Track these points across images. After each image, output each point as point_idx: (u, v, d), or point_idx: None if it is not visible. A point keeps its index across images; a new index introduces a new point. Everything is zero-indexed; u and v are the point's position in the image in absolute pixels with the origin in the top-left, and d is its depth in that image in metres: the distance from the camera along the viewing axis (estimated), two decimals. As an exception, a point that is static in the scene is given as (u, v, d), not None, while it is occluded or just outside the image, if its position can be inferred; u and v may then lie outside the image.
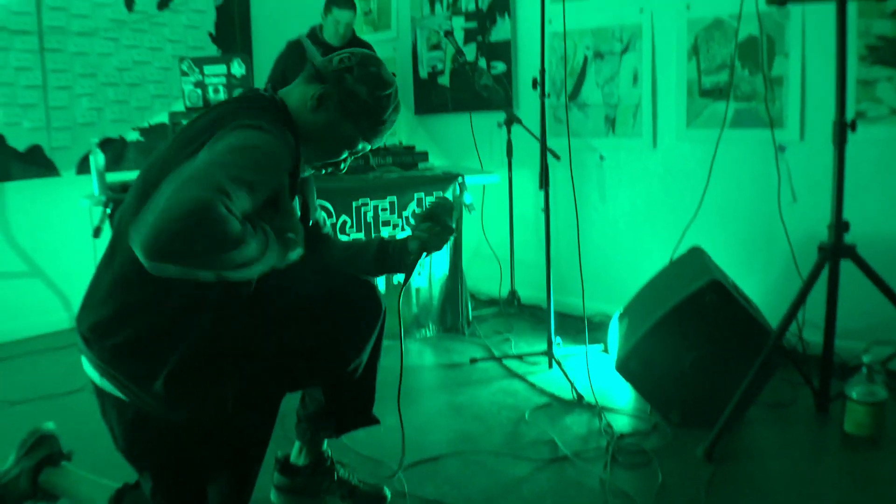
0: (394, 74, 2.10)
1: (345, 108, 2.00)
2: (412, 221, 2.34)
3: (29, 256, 4.68)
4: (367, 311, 2.20)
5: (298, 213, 2.07)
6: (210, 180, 1.52)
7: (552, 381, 3.54)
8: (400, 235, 3.94)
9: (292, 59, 4.65)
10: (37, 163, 4.56)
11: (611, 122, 4.35)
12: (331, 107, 2.00)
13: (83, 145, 4.69)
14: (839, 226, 2.84)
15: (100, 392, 1.94)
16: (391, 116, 2.07)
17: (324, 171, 2.22)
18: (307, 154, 2.03)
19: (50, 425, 2.38)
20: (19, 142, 4.48)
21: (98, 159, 3.69)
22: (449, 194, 4.11)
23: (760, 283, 3.71)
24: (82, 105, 4.73)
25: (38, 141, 4.56)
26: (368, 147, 2.12)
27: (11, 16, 4.42)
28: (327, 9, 4.57)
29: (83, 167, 4.68)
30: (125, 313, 1.82)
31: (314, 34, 4.74)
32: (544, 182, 3.53)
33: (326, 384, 2.28)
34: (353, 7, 4.62)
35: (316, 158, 2.09)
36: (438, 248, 2.26)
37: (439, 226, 2.24)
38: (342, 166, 2.16)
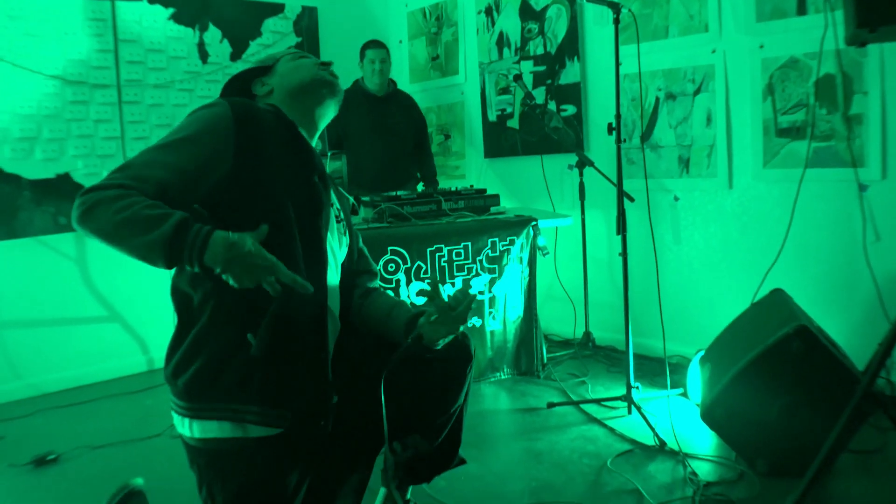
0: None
1: (266, 67, 2.22)
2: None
3: (107, 301, 4.81)
4: (463, 358, 2.23)
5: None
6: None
7: (633, 427, 3.48)
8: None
9: (354, 104, 4.96)
10: (116, 211, 4.68)
11: (684, 163, 4.31)
12: (266, 77, 2.21)
13: (161, 194, 4.81)
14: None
15: (205, 450, 1.95)
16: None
17: (327, 80, 2.20)
18: (301, 105, 2.15)
19: (139, 481, 2.42)
20: (99, 191, 4.61)
21: (179, 210, 3.78)
22: (523, 238, 4.12)
23: (844, 325, 3.61)
24: (159, 155, 4.85)
25: (117, 190, 4.68)
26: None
27: (92, 70, 4.60)
28: (362, 55, 5.05)
29: (162, 215, 4.79)
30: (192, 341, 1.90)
31: (357, 86, 5.12)
32: (622, 227, 3.50)
33: (425, 430, 2.29)
34: (383, 46, 5.05)
35: (305, 95, 2.16)
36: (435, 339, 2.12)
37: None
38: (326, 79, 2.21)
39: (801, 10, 3.76)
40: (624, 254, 3.58)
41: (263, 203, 1.89)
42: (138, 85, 4.80)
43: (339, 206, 2.27)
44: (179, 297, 1.93)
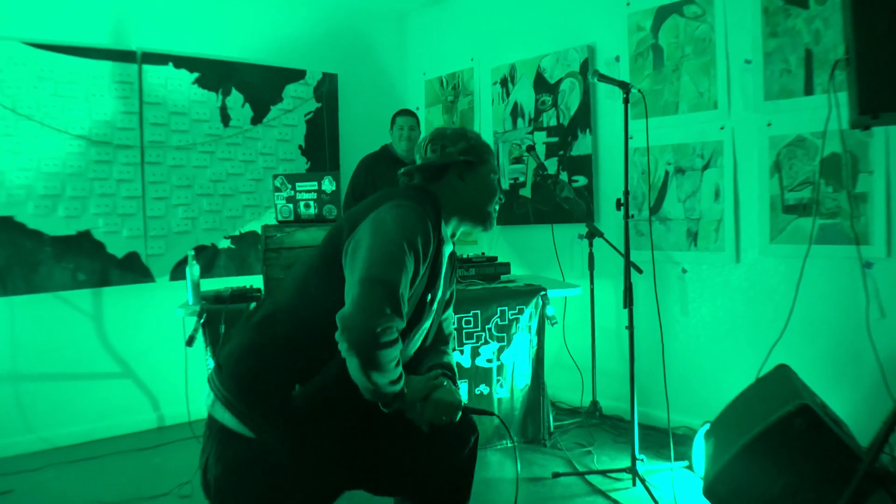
0: None
1: (472, 163, 2.30)
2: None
3: (121, 358, 4.87)
4: (468, 438, 2.30)
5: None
6: (373, 305, 1.88)
7: (637, 500, 3.48)
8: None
9: (383, 166, 5.07)
10: (133, 269, 4.80)
11: (692, 236, 4.38)
12: (467, 172, 2.30)
13: (177, 253, 4.93)
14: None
15: (219, 430, 2.01)
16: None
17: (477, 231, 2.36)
18: (461, 222, 2.33)
19: None
20: (118, 249, 4.72)
21: (194, 271, 3.85)
22: (532, 307, 4.17)
23: (849, 400, 3.62)
24: (178, 215, 4.97)
25: (135, 248, 4.80)
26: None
27: (116, 131, 4.73)
28: (392, 121, 5.18)
29: (176, 273, 4.89)
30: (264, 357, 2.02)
31: (385, 151, 5.24)
32: (628, 301, 3.55)
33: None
34: (413, 115, 5.20)
35: (476, 218, 2.34)
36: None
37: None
38: (494, 217, 2.37)
39: (809, 90, 3.85)
40: (630, 327, 3.63)
41: None
42: (161, 146, 4.92)
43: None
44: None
